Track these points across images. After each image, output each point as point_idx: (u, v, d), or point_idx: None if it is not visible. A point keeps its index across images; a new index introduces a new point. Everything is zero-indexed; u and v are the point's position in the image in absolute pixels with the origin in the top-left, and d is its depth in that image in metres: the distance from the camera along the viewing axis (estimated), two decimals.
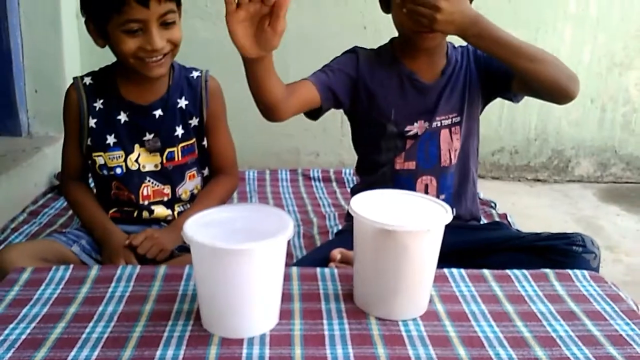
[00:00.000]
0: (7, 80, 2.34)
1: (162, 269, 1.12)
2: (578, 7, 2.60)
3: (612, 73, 2.69)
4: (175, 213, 1.49)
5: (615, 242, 2.11)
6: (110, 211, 1.48)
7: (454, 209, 1.42)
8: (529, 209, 2.37)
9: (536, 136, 2.73)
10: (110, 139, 1.42)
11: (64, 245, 1.38)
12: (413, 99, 1.40)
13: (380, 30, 2.38)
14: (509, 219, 1.97)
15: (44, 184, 2.21)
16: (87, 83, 1.44)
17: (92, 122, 1.42)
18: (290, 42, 2.54)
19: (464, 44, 1.44)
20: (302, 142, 2.66)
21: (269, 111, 1.24)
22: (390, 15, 1.40)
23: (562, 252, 1.29)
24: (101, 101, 1.43)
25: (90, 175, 1.53)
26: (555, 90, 1.26)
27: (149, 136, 1.43)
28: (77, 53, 2.45)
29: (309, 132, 2.66)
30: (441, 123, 1.40)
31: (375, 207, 0.99)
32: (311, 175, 2.43)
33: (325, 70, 1.39)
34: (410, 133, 1.40)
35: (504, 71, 1.35)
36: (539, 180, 2.78)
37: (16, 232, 1.81)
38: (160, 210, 1.47)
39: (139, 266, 1.15)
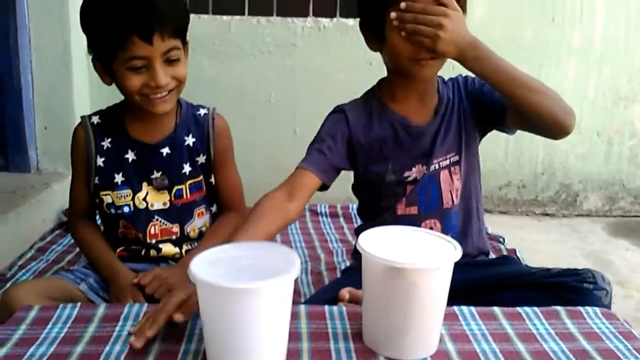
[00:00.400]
0: (17, 117, 2.37)
1: None
2: (582, 42, 2.62)
3: (618, 107, 2.70)
4: (183, 251, 1.48)
5: (625, 277, 2.09)
6: (118, 250, 1.47)
7: (461, 248, 1.41)
8: (537, 244, 2.35)
9: (543, 170, 2.73)
10: (118, 178, 1.43)
11: (71, 284, 1.37)
12: (408, 145, 1.37)
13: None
14: (517, 254, 1.95)
15: (52, 220, 2.21)
16: (95, 122, 1.45)
17: (100, 161, 1.43)
18: (297, 78, 2.59)
19: (454, 76, 1.43)
20: None
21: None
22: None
23: (572, 289, 1.27)
24: (109, 140, 1.44)
25: (97, 213, 1.53)
26: (553, 124, 1.24)
27: (156, 174, 1.43)
28: (86, 91, 2.48)
29: None
30: (439, 165, 1.37)
31: (383, 244, 0.99)
32: (318, 211, 2.43)
33: (320, 148, 1.34)
34: (410, 179, 1.37)
35: (497, 104, 1.32)
36: (547, 215, 2.77)
37: (24, 269, 1.81)
38: (168, 249, 1.47)
39: (146, 304, 1.14)
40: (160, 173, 1.43)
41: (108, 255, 1.44)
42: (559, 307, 1.14)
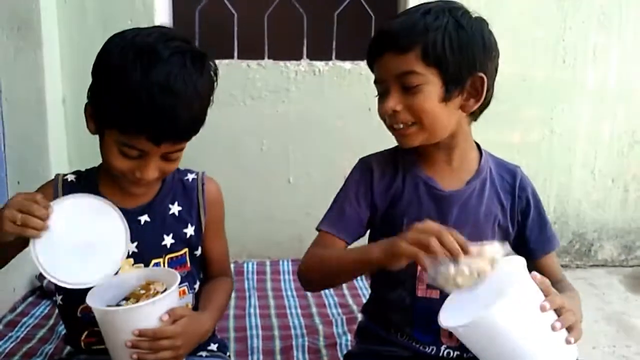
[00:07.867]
0: None
1: None
2: (595, 83, 2.48)
3: (634, 150, 2.55)
4: None
5: None
6: (83, 336, 1.27)
7: None
8: None
9: (555, 219, 2.57)
10: None
11: None
12: (427, 207, 1.24)
13: None
14: None
15: (24, 287, 2.05)
16: (69, 179, 1.28)
17: None
18: (291, 125, 2.43)
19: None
20: (305, 229, 2.50)
21: None
22: None
23: None
24: None
25: (56, 290, 1.31)
26: None
27: (131, 245, 1.25)
28: (63, 142, 2.32)
29: (311, 216, 2.50)
30: None
31: None
32: None
33: (342, 207, 1.28)
34: None
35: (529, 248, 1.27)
36: (561, 266, 2.59)
37: None
38: None
39: None
40: (135, 244, 1.25)
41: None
42: None
